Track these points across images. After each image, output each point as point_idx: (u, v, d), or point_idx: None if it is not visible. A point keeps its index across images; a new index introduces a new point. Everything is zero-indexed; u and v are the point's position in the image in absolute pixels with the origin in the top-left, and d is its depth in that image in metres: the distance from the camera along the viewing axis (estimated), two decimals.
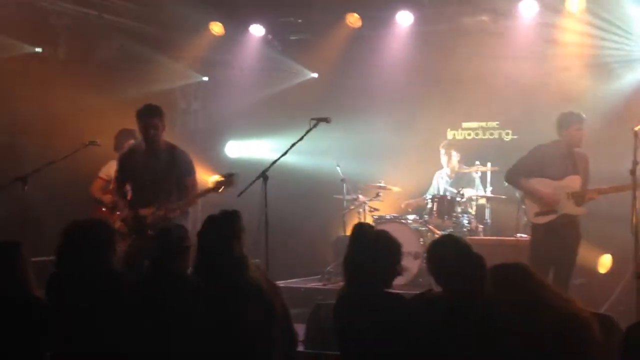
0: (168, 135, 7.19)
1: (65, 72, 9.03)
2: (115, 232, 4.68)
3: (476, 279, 3.71)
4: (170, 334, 3.94)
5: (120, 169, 6.77)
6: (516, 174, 7.26)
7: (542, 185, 6.98)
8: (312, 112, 6.99)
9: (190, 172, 6.62)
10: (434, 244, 4.07)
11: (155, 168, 6.51)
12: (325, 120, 6.53)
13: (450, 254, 3.86)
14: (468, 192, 9.27)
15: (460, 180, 9.52)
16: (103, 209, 7.83)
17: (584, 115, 6.97)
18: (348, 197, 9.79)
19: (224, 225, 3.92)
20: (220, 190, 6.48)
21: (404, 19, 9.83)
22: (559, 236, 6.86)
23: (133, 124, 6.97)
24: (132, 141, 7.30)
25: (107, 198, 7.78)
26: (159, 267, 4.44)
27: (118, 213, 6.86)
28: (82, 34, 9.38)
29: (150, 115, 6.50)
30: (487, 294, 3.65)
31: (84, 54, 9.46)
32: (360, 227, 4.12)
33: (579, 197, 6.86)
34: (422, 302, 3.86)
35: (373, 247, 3.94)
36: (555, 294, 3.67)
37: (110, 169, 7.75)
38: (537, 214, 7.00)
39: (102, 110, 9.01)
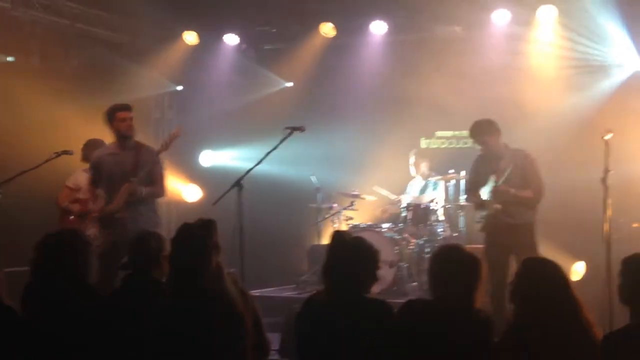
0: None
1: (39, 81, 8.95)
2: (89, 243, 4.62)
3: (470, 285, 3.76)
4: (142, 346, 3.90)
5: (93, 175, 6.85)
6: (469, 194, 7.42)
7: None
8: (287, 121, 7.00)
9: (158, 163, 6.85)
10: (445, 251, 4.05)
11: (125, 163, 6.66)
12: (300, 129, 6.54)
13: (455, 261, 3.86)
14: (428, 197, 9.37)
15: (426, 187, 9.64)
16: (71, 218, 7.72)
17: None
18: (323, 205, 9.81)
19: (200, 235, 3.81)
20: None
21: (378, 28, 9.89)
22: (493, 242, 6.89)
23: (106, 134, 6.97)
24: None
25: (75, 207, 7.68)
26: (135, 276, 4.42)
27: (93, 215, 6.90)
28: (55, 43, 9.33)
29: (126, 109, 6.77)
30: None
31: (57, 63, 9.40)
32: (339, 234, 4.12)
33: (495, 194, 6.83)
34: (411, 307, 3.87)
35: (353, 254, 3.94)
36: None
37: (77, 179, 7.74)
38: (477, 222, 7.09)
39: (76, 119, 8.93)
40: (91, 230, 6.83)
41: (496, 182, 6.76)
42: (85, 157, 7.67)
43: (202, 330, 3.69)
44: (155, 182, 6.78)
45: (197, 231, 3.82)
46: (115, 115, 6.70)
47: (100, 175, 6.76)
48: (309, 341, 3.94)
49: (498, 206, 6.75)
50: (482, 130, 6.94)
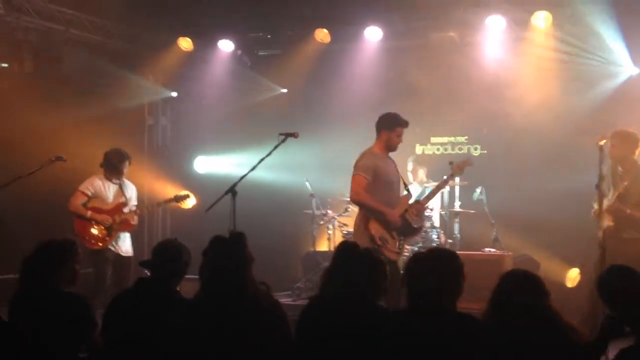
0: (137, 151, 7.30)
1: (32, 87, 8.93)
2: (79, 255, 4.56)
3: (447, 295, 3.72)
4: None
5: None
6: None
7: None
8: (281, 127, 6.99)
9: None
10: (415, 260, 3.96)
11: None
12: (293, 135, 6.54)
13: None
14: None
15: (423, 194, 9.62)
16: (94, 228, 7.57)
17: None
18: (317, 212, 9.77)
19: (236, 245, 3.92)
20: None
21: (373, 34, 9.88)
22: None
23: (100, 140, 6.97)
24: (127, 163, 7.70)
25: (104, 218, 7.54)
26: (152, 283, 4.44)
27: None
28: (48, 49, 9.29)
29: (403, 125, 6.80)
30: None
31: (50, 69, 9.35)
32: (347, 245, 4.12)
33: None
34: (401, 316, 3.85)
35: (366, 265, 3.96)
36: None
37: (96, 186, 7.61)
38: None
39: (69, 125, 8.91)
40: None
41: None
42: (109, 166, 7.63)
43: (236, 338, 3.72)
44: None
45: (231, 242, 3.91)
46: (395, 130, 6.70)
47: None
48: (310, 348, 3.93)
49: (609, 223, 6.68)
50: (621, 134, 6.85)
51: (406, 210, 6.54)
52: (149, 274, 4.50)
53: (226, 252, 3.89)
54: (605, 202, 6.44)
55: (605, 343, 3.74)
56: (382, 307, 4.02)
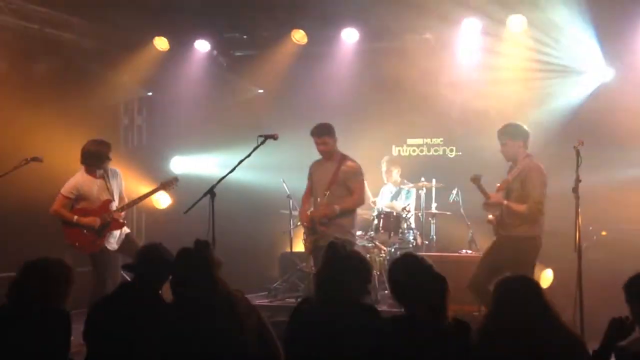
0: (112, 151, 7.26)
1: (6, 86, 8.83)
2: (72, 274, 4.40)
3: (438, 299, 3.73)
4: None
5: None
6: None
7: None
8: (258, 128, 7.00)
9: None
10: (394, 263, 4.06)
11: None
12: (273, 137, 6.56)
13: (413, 273, 3.84)
14: (400, 205, 9.41)
15: (397, 194, 9.67)
16: (85, 232, 7.32)
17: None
18: (294, 212, 9.76)
19: (200, 254, 4.00)
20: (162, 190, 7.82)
21: (350, 36, 9.90)
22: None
23: (76, 139, 6.91)
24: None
25: (92, 221, 7.26)
26: (139, 288, 4.42)
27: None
28: (23, 48, 9.18)
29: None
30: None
31: (25, 68, 9.25)
32: (335, 246, 4.13)
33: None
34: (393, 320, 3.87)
35: (348, 266, 4.00)
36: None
37: (78, 187, 7.32)
38: None
39: (45, 125, 8.81)
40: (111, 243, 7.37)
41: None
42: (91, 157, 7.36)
43: (208, 342, 3.75)
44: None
45: (196, 252, 4.00)
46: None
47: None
48: (300, 350, 3.94)
49: (491, 217, 6.73)
50: (507, 131, 6.74)
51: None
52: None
53: (192, 263, 3.97)
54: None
55: (612, 346, 3.73)
56: (370, 306, 4.03)
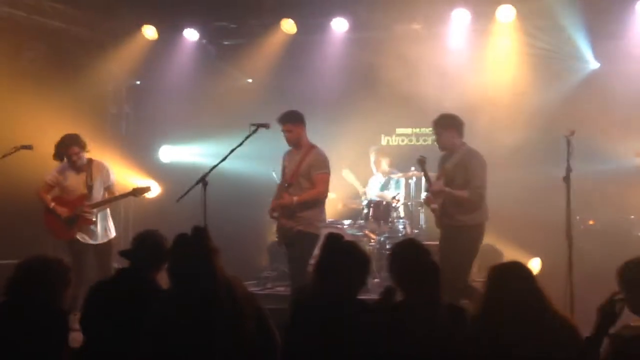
0: (99, 140, 7.21)
1: None
2: (70, 274, 4.39)
3: (431, 285, 3.80)
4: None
5: None
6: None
7: None
8: (247, 117, 6.97)
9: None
10: (396, 247, 4.19)
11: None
12: (265, 126, 6.55)
13: (413, 258, 3.94)
14: (389, 194, 9.42)
15: (387, 184, 9.68)
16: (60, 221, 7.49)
17: None
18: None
19: (197, 241, 3.94)
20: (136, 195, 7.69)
21: (339, 25, 9.88)
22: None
23: (64, 127, 6.87)
24: (75, 148, 7.38)
25: (64, 211, 7.43)
26: (135, 274, 4.44)
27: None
28: (9, 35, 9.12)
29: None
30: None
31: (12, 56, 9.19)
32: (334, 238, 4.14)
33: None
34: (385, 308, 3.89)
35: (349, 257, 4.03)
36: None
37: (57, 175, 7.52)
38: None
39: (32, 113, 8.77)
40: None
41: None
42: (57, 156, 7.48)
43: (206, 332, 3.73)
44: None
45: (194, 239, 3.93)
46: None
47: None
48: (300, 341, 3.95)
49: (434, 206, 6.77)
50: (438, 122, 6.86)
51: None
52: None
53: (191, 250, 3.92)
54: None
55: (604, 333, 3.74)
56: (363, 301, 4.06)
